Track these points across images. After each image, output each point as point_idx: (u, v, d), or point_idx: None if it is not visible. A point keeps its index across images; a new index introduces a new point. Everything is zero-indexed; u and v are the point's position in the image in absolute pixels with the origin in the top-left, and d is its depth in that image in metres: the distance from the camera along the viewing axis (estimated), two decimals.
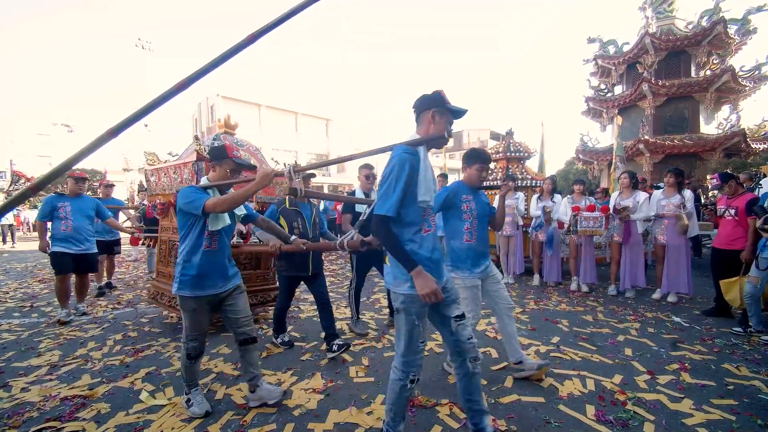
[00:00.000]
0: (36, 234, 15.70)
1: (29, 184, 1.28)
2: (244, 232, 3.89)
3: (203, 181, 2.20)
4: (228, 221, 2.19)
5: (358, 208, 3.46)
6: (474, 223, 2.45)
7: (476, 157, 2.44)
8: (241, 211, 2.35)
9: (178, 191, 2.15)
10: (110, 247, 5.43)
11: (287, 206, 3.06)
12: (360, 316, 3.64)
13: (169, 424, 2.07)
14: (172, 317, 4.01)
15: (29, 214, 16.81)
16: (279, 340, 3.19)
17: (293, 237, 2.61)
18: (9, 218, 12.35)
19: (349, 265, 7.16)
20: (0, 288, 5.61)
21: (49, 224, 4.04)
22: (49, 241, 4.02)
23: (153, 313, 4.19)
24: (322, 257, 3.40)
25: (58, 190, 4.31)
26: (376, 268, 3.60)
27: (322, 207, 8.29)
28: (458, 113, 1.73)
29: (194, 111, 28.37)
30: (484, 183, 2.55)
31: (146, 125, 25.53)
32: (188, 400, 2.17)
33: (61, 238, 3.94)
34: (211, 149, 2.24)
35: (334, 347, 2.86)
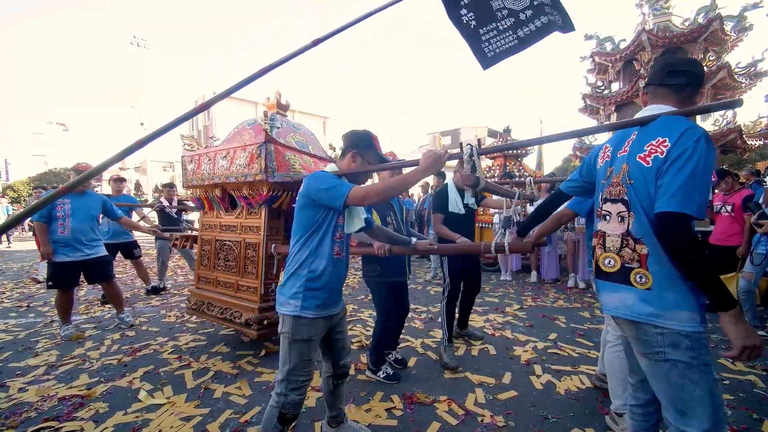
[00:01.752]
0: (32, 234, 15.62)
1: (61, 186, 1.33)
2: None
3: (330, 167, 1.77)
4: (362, 224, 1.76)
5: (451, 207, 2.89)
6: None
7: None
8: (363, 213, 1.84)
9: (307, 176, 1.64)
10: (129, 251, 4.81)
11: None
12: (452, 340, 2.92)
13: (168, 423, 2.06)
14: (170, 316, 4.00)
15: None
16: (383, 374, 2.53)
17: (414, 239, 2.19)
18: (3, 218, 12.26)
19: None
20: None
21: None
22: (51, 248, 3.35)
23: (150, 313, 4.18)
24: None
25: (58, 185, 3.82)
26: (465, 277, 3.07)
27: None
28: None
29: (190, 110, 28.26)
30: None
31: (142, 123, 25.41)
32: None
33: (59, 242, 3.35)
34: (359, 136, 1.77)
35: (390, 359, 2.70)
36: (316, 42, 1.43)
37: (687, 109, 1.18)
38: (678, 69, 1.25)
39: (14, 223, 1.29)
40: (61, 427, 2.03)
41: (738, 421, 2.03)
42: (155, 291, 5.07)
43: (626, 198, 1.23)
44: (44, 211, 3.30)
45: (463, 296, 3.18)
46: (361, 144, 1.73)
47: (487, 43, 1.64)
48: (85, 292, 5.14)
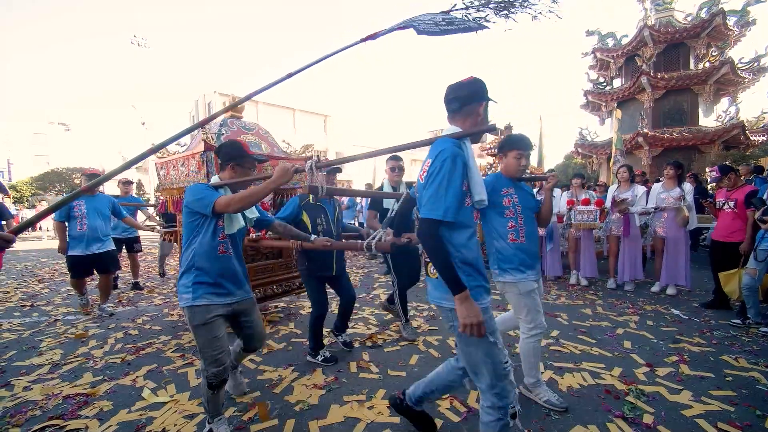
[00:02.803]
0: (35, 234, 15.76)
1: (83, 186, 1.79)
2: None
3: (214, 179, 1.99)
4: (243, 223, 2.01)
5: (386, 204, 3.21)
6: (520, 221, 2.14)
7: (513, 143, 2.16)
8: (253, 213, 2.11)
9: (185, 188, 1.91)
10: (130, 245, 5.36)
11: (310, 201, 2.82)
12: (408, 320, 3.36)
13: (171, 421, 2.08)
14: (172, 315, 4.02)
15: (27, 214, 16.78)
16: (321, 358, 2.78)
17: (313, 236, 2.46)
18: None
19: (348, 261, 7.17)
20: (0, 287, 5.62)
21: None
22: (67, 243, 3.99)
23: (153, 311, 4.20)
24: (344, 257, 3.19)
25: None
26: (407, 270, 3.34)
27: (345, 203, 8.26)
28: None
29: (191, 108, 28.25)
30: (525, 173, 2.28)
31: (143, 123, 25.43)
32: (210, 431, 1.93)
33: (77, 238, 3.91)
34: (225, 148, 1.99)
35: (339, 340, 2.99)
36: (290, 75, 1.77)
37: (452, 134, 1.46)
38: (449, 97, 1.51)
39: (38, 218, 1.54)
40: (66, 426, 2.05)
41: (741, 417, 2.03)
42: (137, 287, 5.39)
43: (417, 208, 1.55)
44: (63, 211, 3.86)
45: (401, 284, 3.38)
46: (236, 154, 1.96)
47: (419, 28, 1.75)
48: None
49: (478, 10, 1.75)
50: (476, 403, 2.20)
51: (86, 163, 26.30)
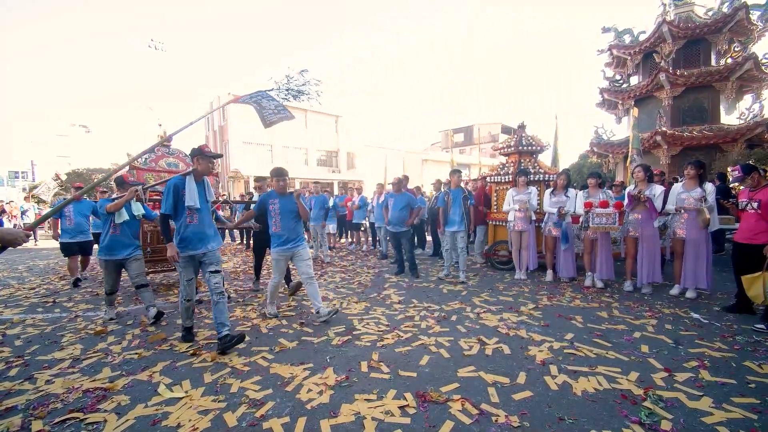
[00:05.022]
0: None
1: (92, 184, 3.88)
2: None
3: (114, 195, 4.03)
4: (126, 217, 3.76)
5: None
6: (277, 219, 3.64)
7: (276, 174, 3.65)
8: (139, 211, 3.92)
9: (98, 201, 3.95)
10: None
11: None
12: (259, 278, 5.18)
13: (187, 416, 2.12)
14: None
15: None
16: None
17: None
18: (30, 217, 12.76)
19: (359, 261, 7.20)
20: (24, 284, 5.83)
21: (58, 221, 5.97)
22: (59, 233, 5.89)
23: (169, 309, 4.28)
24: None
25: (66, 196, 5.25)
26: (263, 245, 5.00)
27: (331, 203, 8.31)
28: (216, 156, 3.10)
29: (206, 110, 28.76)
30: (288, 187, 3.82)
31: (160, 125, 26.01)
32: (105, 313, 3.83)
33: (66, 230, 5.70)
34: (117, 180, 3.99)
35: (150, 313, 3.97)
36: (169, 137, 3.97)
37: (180, 173, 3.08)
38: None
39: (47, 217, 2.49)
40: (86, 419, 2.11)
41: (765, 426, 1.96)
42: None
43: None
44: (60, 211, 5.61)
45: (261, 252, 5.16)
46: (120, 183, 3.95)
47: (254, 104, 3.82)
48: None
49: (285, 98, 3.35)
50: (488, 406, 2.18)
51: (105, 164, 27.07)
